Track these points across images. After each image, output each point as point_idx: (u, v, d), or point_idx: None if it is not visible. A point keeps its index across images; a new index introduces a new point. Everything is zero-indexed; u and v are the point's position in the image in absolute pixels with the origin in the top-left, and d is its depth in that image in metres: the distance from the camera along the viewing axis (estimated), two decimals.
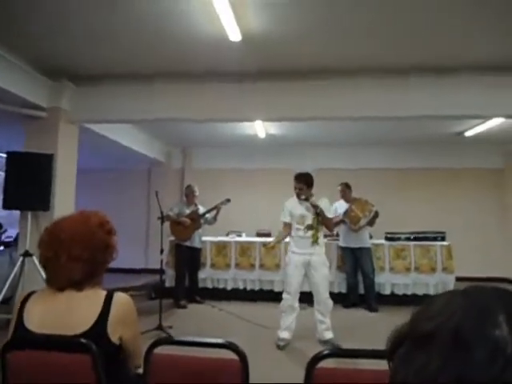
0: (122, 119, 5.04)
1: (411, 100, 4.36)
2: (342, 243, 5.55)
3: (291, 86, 4.46)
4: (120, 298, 1.31)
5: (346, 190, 5.51)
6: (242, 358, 1.12)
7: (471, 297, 0.43)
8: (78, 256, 1.27)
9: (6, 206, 4.11)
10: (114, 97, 4.65)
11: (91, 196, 8.05)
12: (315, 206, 3.75)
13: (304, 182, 3.87)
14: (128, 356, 1.31)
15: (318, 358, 1.11)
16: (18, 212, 4.55)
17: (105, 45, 3.79)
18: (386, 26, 3.42)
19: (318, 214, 3.77)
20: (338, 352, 1.16)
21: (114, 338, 1.25)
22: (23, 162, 4.10)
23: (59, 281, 1.27)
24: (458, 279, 5.73)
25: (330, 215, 3.92)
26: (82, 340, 1.19)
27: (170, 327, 4.26)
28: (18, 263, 4.06)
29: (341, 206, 5.45)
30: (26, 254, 4.05)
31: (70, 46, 3.80)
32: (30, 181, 4.04)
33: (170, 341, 1.14)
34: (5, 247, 6.24)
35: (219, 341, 1.12)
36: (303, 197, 3.82)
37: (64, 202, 4.49)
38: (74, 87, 4.60)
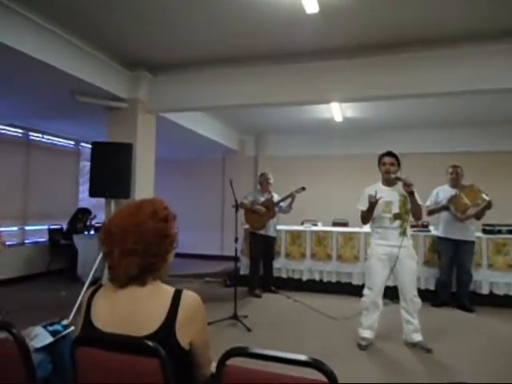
0: (197, 107, 5.05)
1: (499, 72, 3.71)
2: (441, 233, 4.87)
3: (371, 61, 4.05)
4: (189, 297, 1.17)
5: (459, 173, 4.73)
6: (332, 380, 0.90)
7: None
8: (132, 250, 1.15)
9: (91, 194, 4.36)
10: (189, 85, 4.65)
11: (168, 185, 8.39)
12: (409, 185, 3.27)
13: (396, 159, 3.46)
14: (195, 363, 1.17)
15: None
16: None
17: (179, 31, 3.75)
18: None
19: (412, 194, 3.29)
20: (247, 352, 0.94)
21: (184, 343, 1.12)
22: (106, 152, 4.30)
23: (118, 278, 1.17)
24: None
25: (420, 202, 3.45)
26: (150, 343, 1.06)
27: (245, 317, 4.20)
28: None
29: (444, 192, 4.76)
30: None
31: (146, 34, 3.83)
32: (113, 170, 4.22)
33: (245, 352, 0.96)
34: (95, 231, 6.73)
35: (303, 358, 0.92)
36: (394, 176, 3.41)
37: (144, 189, 4.64)
38: (151, 77, 4.68)
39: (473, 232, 4.75)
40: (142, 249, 1.16)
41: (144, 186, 4.67)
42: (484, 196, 4.45)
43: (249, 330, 3.87)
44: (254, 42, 3.99)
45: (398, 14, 3.38)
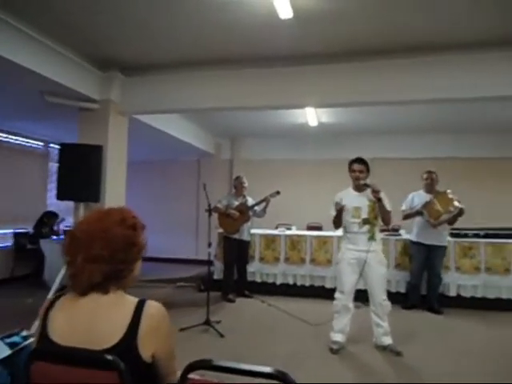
0: (171, 109, 4.98)
1: (486, 79, 3.83)
2: (414, 238, 4.97)
3: (346, 68, 4.10)
4: (152, 307, 1.13)
5: (434, 179, 4.81)
6: None
7: None
8: (97, 256, 1.12)
9: (59, 197, 4.21)
10: (163, 87, 4.58)
11: (142, 187, 8.24)
12: (377, 192, 3.33)
13: (365, 165, 3.52)
14: (159, 375, 1.14)
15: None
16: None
17: (154, 33, 3.70)
18: None
19: (379, 200, 3.35)
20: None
21: (145, 356, 1.08)
22: (75, 154, 4.16)
23: (80, 285, 1.13)
24: None
25: (389, 207, 3.52)
26: (109, 356, 1.02)
27: (219, 322, 4.15)
28: None
29: (419, 197, 4.84)
30: None
31: (118, 35, 3.75)
32: (82, 172, 4.09)
33: (208, 365, 0.93)
34: (65, 235, 6.50)
35: (267, 370, 0.90)
36: (363, 182, 3.46)
37: (115, 192, 4.52)
38: (124, 78, 4.58)
39: (445, 237, 4.88)
40: (108, 255, 1.13)
41: (115, 189, 4.56)
42: (456, 203, 4.54)
43: (221, 335, 3.83)
44: (229, 46, 3.98)
45: (367, 23, 3.44)
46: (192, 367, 0.97)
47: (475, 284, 5.11)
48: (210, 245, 4.32)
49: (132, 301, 1.14)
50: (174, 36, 3.76)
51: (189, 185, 8.40)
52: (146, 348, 1.08)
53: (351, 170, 3.55)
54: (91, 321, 1.09)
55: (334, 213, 3.56)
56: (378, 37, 3.71)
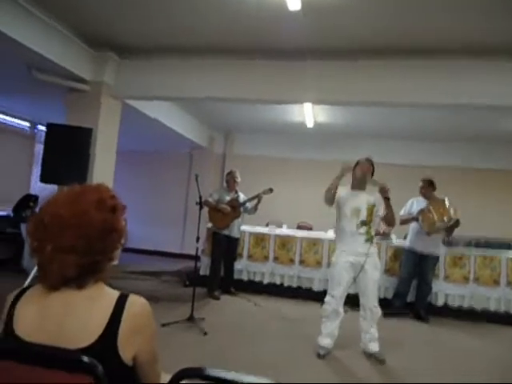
0: (167, 96, 4.81)
1: (480, 87, 3.78)
2: (407, 243, 4.90)
3: (347, 65, 4.00)
4: (135, 304, 0.98)
5: (426, 188, 4.73)
6: None
7: None
8: (70, 247, 0.94)
9: (42, 180, 4.01)
10: (161, 72, 4.41)
11: (130, 177, 8.04)
12: (386, 190, 3.22)
13: (372, 167, 3.47)
14: (141, 378, 1.00)
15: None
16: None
17: (154, 13, 3.52)
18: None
19: (387, 199, 3.24)
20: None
21: (126, 358, 0.94)
22: (62, 135, 3.97)
23: (50, 278, 0.96)
24: None
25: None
26: (85, 358, 0.88)
27: (203, 319, 4.02)
28: None
29: (418, 203, 4.76)
30: None
31: (116, 12, 3.56)
32: (69, 155, 3.90)
33: (200, 375, 0.80)
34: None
35: (263, 381, 0.77)
36: (369, 179, 3.40)
37: (102, 178, 4.31)
38: (118, 59, 4.39)
39: (439, 246, 4.81)
40: (84, 245, 0.95)
41: (103, 176, 4.37)
42: (452, 214, 4.46)
43: (205, 333, 3.69)
44: (231, 35, 3.84)
45: (382, 19, 3.33)
46: (181, 375, 0.84)
47: (463, 294, 5.07)
48: (198, 239, 4.17)
49: (112, 295, 0.98)
50: (175, 20, 3.60)
51: (179, 178, 8.23)
52: (127, 349, 0.94)
53: (360, 167, 3.46)
54: (64, 316, 0.94)
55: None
56: (383, 36, 3.61)
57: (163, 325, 3.73)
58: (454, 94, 3.85)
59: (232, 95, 4.36)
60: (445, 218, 4.45)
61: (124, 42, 4.18)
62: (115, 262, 1.08)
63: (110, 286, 1.05)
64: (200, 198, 4.20)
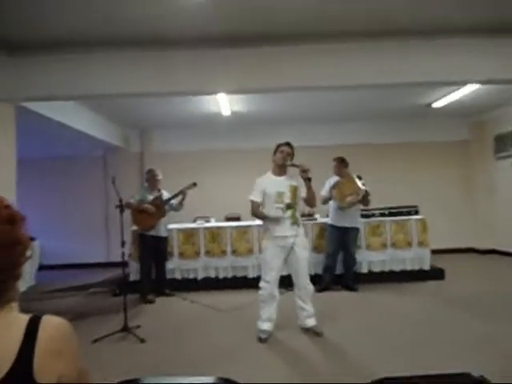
0: (69, 95, 4.37)
1: (385, 66, 4.07)
2: (330, 221, 5.16)
3: (262, 52, 4.00)
4: (50, 326, 0.87)
5: (338, 166, 4.99)
6: None
7: None
8: None
9: None
10: (57, 69, 3.99)
11: (37, 189, 7.35)
12: (306, 171, 3.31)
13: (292, 150, 3.57)
14: None
15: None
16: None
17: (48, 7, 3.16)
18: None
19: (309, 180, 3.32)
20: None
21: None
22: None
23: None
24: (433, 252, 5.69)
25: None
26: None
27: (138, 327, 3.85)
28: None
29: (333, 181, 5.01)
30: None
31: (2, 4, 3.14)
32: None
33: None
34: None
35: (209, 380, 0.74)
36: (290, 162, 3.47)
37: (0, 192, 3.85)
38: (6, 57, 3.90)
39: (357, 219, 5.16)
40: None
41: (2, 190, 3.89)
42: (360, 186, 4.81)
43: (142, 341, 3.54)
44: (134, 27, 3.62)
45: (299, 3, 3.34)
46: None
47: (383, 259, 5.54)
48: (123, 244, 3.95)
49: (22, 319, 0.86)
50: (69, 8, 3.27)
51: (95, 182, 7.70)
52: (46, 376, 0.83)
53: (279, 152, 3.54)
54: None
55: (255, 198, 3.50)
56: (300, 21, 3.65)
57: (95, 340, 3.49)
58: (374, 76, 4.06)
59: (142, 90, 4.12)
60: (353, 192, 4.78)
61: (14, 37, 3.70)
62: (32, 283, 0.96)
63: (29, 309, 0.92)
64: (120, 200, 3.98)
